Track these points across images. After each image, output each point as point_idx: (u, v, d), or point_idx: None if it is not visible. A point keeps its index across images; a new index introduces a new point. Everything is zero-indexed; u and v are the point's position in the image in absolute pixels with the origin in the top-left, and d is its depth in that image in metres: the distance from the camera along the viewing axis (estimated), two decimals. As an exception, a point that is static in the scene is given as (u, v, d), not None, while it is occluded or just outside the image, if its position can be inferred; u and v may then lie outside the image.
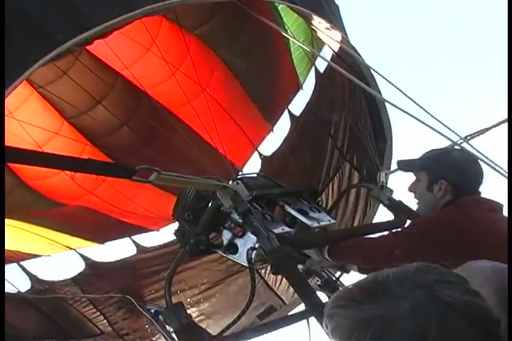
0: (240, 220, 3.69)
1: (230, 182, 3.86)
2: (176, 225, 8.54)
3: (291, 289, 7.60)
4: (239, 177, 4.09)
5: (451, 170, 3.30)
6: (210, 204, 3.84)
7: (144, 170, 2.97)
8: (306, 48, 6.67)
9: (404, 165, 3.68)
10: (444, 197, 3.31)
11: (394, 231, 3.49)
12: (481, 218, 3.10)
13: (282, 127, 8.42)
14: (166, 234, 8.87)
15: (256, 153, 8.63)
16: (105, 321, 8.36)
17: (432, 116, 4.05)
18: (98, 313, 8.34)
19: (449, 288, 1.24)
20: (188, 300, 7.71)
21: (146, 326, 7.89)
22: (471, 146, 3.75)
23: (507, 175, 3.36)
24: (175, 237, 3.96)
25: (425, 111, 4.13)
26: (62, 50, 3.74)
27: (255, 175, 4.39)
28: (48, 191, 8.20)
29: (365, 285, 1.31)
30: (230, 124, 8.17)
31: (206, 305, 8.04)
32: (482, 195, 3.34)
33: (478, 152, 3.58)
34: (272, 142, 8.61)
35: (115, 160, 8.08)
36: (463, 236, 3.00)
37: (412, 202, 4.15)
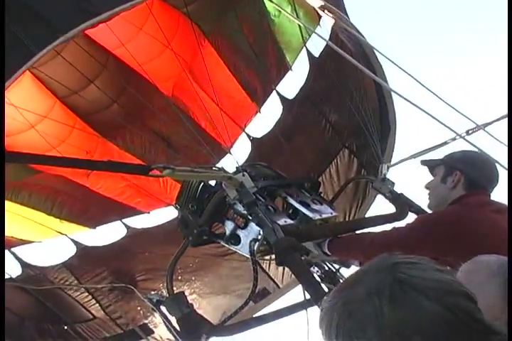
0: (244, 211, 3.69)
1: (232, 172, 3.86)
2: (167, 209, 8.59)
3: (284, 273, 7.73)
4: (243, 167, 4.06)
5: (467, 164, 3.33)
6: (215, 194, 3.83)
7: (159, 168, 2.99)
8: (304, 26, 6.62)
9: (426, 161, 3.71)
10: (455, 188, 3.33)
11: (396, 227, 3.50)
12: (484, 218, 3.12)
13: (270, 109, 8.40)
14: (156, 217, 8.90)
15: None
16: (97, 305, 8.37)
17: (446, 103, 4.06)
18: (90, 297, 8.35)
19: (409, 268, 1.30)
20: (180, 278, 7.74)
21: (138, 308, 7.93)
22: (490, 134, 3.77)
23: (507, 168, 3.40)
24: (178, 228, 3.95)
25: (437, 96, 4.14)
26: (70, 36, 3.73)
27: (257, 165, 4.34)
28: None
29: (343, 281, 1.45)
30: (215, 104, 8.16)
31: (198, 283, 8.08)
32: (491, 197, 3.36)
33: (496, 139, 3.61)
34: (259, 124, 8.60)
35: (103, 135, 8.25)
36: (464, 234, 3.02)
37: (413, 195, 4.20)
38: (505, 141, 3.85)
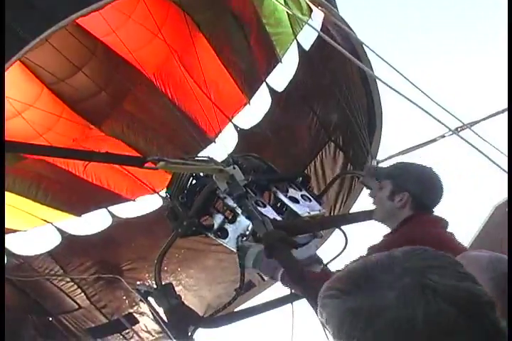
0: (234, 204, 3.70)
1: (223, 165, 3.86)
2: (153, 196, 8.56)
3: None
4: (234, 158, 4.05)
5: (416, 185, 3.26)
6: (205, 187, 3.83)
7: (154, 160, 3.02)
8: (295, 17, 6.63)
9: (372, 172, 3.67)
10: (402, 209, 3.28)
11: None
12: (439, 235, 3.15)
13: (259, 101, 8.41)
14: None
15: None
16: (83, 294, 8.35)
17: (432, 100, 4.06)
18: (75, 286, 8.33)
19: (438, 274, 1.21)
20: (165, 268, 7.75)
21: (124, 297, 7.93)
22: (475, 133, 3.77)
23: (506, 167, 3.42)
24: (167, 219, 3.96)
25: (423, 92, 4.15)
26: (62, 26, 3.72)
27: (249, 156, 4.34)
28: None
29: (353, 274, 1.27)
30: (204, 94, 8.15)
31: (184, 275, 8.09)
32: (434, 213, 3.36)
33: (482, 138, 3.62)
34: (247, 115, 8.60)
35: (90, 122, 8.25)
36: None
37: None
38: (494, 139, 3.87)
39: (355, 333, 1.20)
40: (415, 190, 3.25)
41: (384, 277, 1.22)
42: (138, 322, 8.05)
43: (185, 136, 7.98)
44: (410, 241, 3.09)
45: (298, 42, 7.61)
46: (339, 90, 6.47)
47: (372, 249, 3.27)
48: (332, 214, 6.93)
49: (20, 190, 8.04)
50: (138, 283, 7.59)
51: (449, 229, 3.28)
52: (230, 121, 8.50)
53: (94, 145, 8.12)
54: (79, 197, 8.65)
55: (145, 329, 8.07)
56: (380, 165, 4.70)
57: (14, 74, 7.30)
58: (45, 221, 8.34)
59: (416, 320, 1.15)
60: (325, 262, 4.26)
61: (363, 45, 5.64)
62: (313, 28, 6.27)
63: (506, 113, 4.00)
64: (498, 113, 4.21)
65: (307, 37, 7.43)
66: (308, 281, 3.26)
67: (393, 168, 3.44)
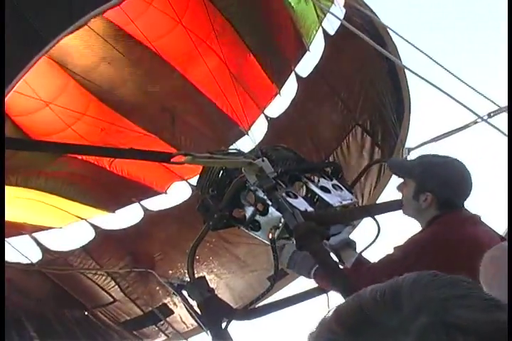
0: (265, 197, 3.68)
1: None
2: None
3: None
4: (263, 149, 4.02)
5: (439, 185, 3.16)
6: (235, 179, 3.81)
7: (180, 154, 3.02)
8: (320, 5, 6.56)
9: (395, 167, 3.59)
10: (428, 209, 3.20)
11: (378, 261, 3.35)
12: (474, 233, 3.06)
13: (287, 88, 8.37)
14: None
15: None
16: (117, 287, 8.44)
17: (465, 84, 3.98)
18: (109, 279, 8.43)
19: (463, 306, 0.91)
20: (197, 257, 7.78)
21: (157, 288, 7.99)
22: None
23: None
24: (198, 212, 3.95)
25: (455, 76, 4.07)
26: (82, 23, 3.73)
27: (278, 147, 4.30)
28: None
29: (346, 318, 0.94)
30: (234, 84, 8.10)
31: (216, 263, 8.13)
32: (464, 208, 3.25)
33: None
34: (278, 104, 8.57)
35: (117, 111, 8.26)
36: (450, 255, 2.94)
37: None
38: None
39: None
40: (438, 191, 3.16)
41: (390, 318, 0.91)
42: (173, 312, 8.11)
43: (218, 128, 7.99)
44: (444, 244, 3.03)
45: (323, 28, 7.54)
46: (365, 73, 6.41)
47: (398, 249, 3.22)
48: (360, 202, 6.89)
49: (52, 189, 8.11)
50: (170, 272, 7.67)
51: (482, 222, 3.20)
52: (262, 112, 8.47)
53: (123, 134, 8.17)
54: (111, 193, 8.73)
55: (180, 320, 8.13)
56: (410, 153, 4.60)
57: (40, 66, 7.35)
58: (79, 217, 8.43)
59: None
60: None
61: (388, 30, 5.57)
62: (336, 17, 6.20)
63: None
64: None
65: (332, 21, 7.35)
66: (339, 274, 3.24)
67: (415, 165, 3.30)
